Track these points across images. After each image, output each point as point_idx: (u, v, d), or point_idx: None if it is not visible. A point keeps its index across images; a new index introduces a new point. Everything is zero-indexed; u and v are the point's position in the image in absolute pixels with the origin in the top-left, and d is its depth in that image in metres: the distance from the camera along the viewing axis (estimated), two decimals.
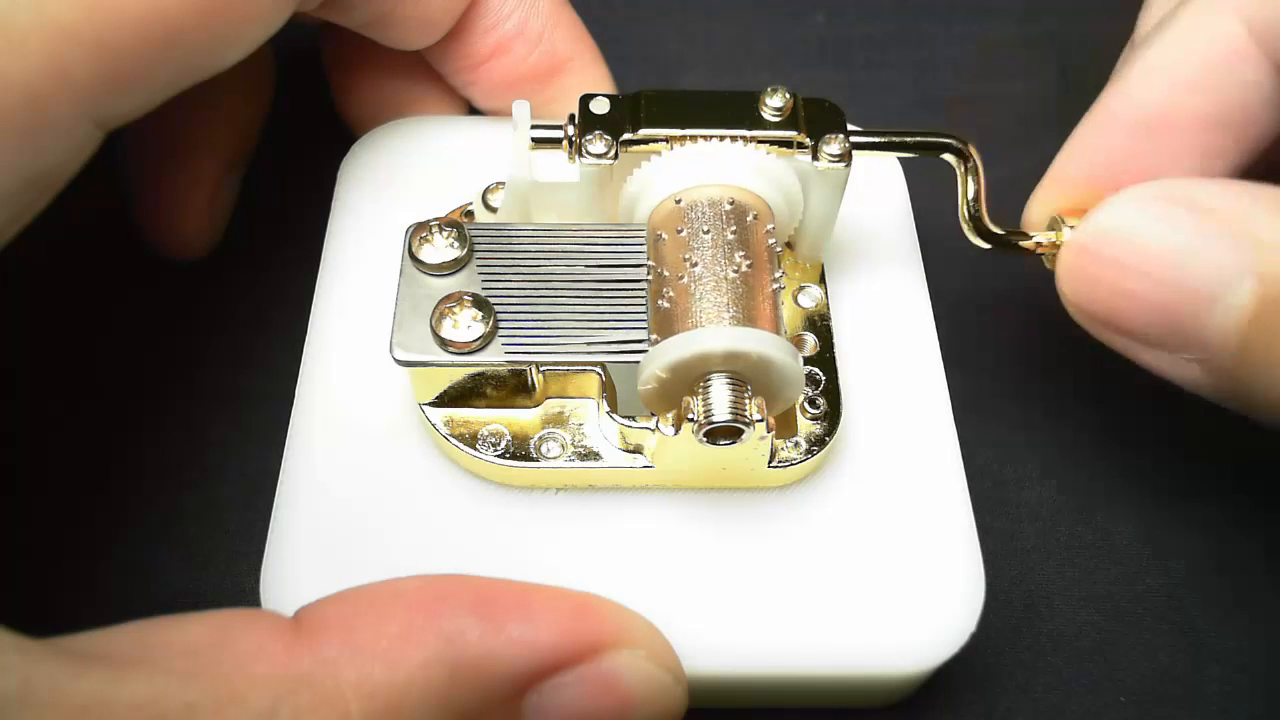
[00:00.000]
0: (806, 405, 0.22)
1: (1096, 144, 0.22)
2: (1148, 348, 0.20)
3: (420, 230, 0.21)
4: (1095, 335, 0.21)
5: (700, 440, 0.19)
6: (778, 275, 0.21)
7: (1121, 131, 0.22)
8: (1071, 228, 0.21)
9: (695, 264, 0.20)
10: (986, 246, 0.23)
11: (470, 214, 0.24)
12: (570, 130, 0.22)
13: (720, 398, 0.19)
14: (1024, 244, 0.22)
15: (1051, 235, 0.22)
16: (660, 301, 0.20)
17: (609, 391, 0.21)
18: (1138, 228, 0.20)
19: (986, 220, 0.23)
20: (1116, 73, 0.23)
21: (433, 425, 0.21)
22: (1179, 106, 0.21)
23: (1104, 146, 0.22)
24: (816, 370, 0.22)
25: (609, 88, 0.27)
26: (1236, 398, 0.20)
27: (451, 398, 0.21)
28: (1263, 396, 0.19)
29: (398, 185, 0.26)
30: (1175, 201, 0.20)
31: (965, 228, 0.23)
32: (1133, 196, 0.20)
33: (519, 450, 0.21)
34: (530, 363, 0.20)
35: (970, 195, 0.22)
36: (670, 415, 0.20)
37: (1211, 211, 0.19)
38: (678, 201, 0.21)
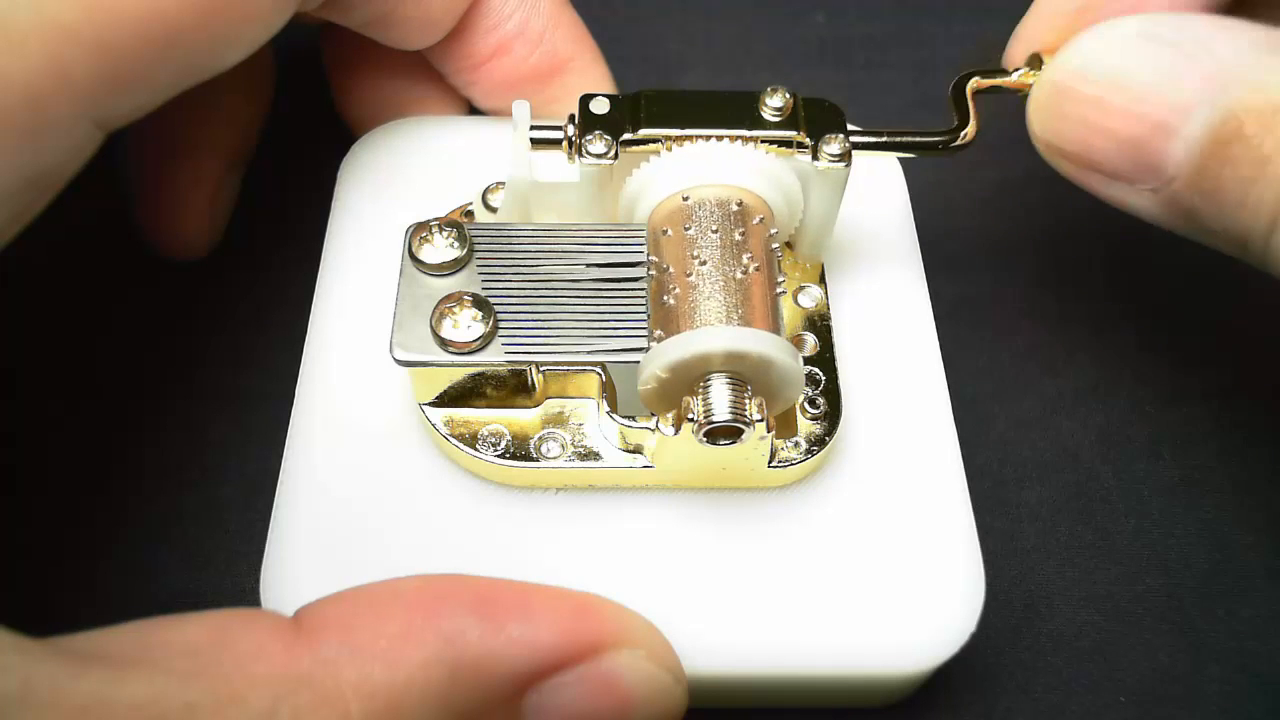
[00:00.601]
0: (806, 405, 0.22)
1: None
2: (1109, 180, 0.21)
3: (420, 230, 0.21)
4: (1062, 171, 0.22)
5: (700, 440, 0.19)
6: (779, 278, 0.21)
7: None
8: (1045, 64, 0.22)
9: (704, 262, 0.20)
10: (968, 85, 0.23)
11: (470, 214, 0.24)
12: (570, 130, 0.22)
13: (720, 398, 0.19)
14: (1003, 80, 0.23)
15: (1031, 71, 0.22)
16: (665, 298, 0.20)
17: (609, 391, 0.21)
18: (1106, 61, 0.20)
19: (976, 80, 0.23)
20: None
21: (433, 425, 0.21)
22: None
23: None
24: (816, 370, 0.22)
25: (609, 88, 0.27)
26: (1188, 226, 0.20)
27: (451, 398, 0.21)
28: (1211, 223, 0.19)
29: (398, 185, 0.26)
30: (1144, 35, 0.20)
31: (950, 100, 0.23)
32: (1103, 30, 0.20)
33: (519, 450, 0.21)
34: (530, 363, 0.20)
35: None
36: (670, 415, 0.20)
37: (1177, 44, 0.19)
38: (685, 199, 0.21)
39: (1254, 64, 0.19)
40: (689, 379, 0.19)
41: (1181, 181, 0.19)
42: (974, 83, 0.23)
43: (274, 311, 0.27)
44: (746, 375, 0.19)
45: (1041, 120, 0.21)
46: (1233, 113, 0.18)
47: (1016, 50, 0.23)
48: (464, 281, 0.21)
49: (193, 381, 0.27)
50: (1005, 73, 0.23)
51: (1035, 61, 0.22)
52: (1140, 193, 0.20)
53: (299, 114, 0.30)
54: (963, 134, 0.22)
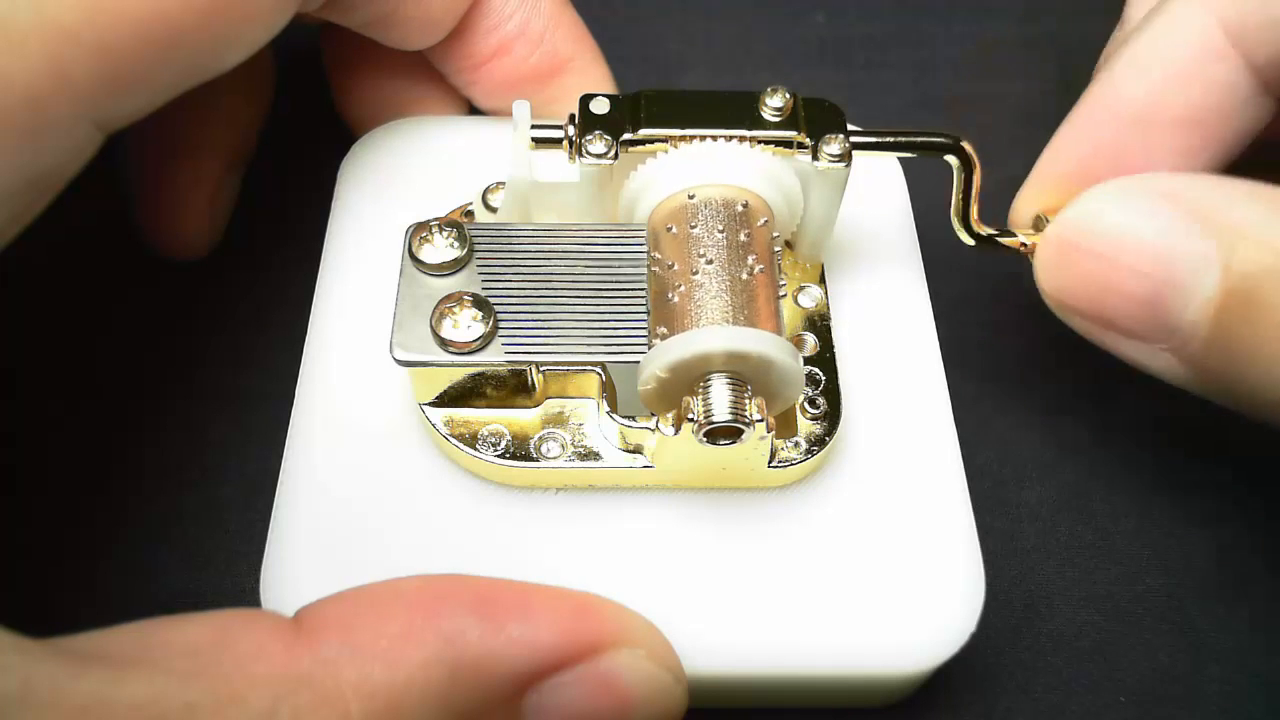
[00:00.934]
0: (806, 405, 0.22)
1: (1078, 142, 0.23)
2: (1124, 338, 0.21)
3: (420, 230, 0.21)
4: (1074, 328, 0.22)
5: (700, 440, 0.19)
6: (780, 280, 0.21)
7: (1101, 130, 0.22)
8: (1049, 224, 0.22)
9: (710, 261, 0.20)
10: (972, 244, 0.23)
11: (470, 214, 0.24)
12: (570, 130, 0.22)
13: (720, 398, 0.19)
14: (1008, 242, 0.23)
15: (1035, 234, 0.22)
16: (670, 295, 0.20)
17: (609, 391, 0.21)
18: (1109, 219, 0.20)
19: (975, 220, 0.23)
20: (1097, 72, 0.23)
21: (433, 425, 0.21)
22: (1157, 105, 0.21)
23: (1085, 144, 0.22)
24: (816, 370, 0.22)
25: (610, 88, 0.27)
26: (1209, 386, 0.20)
27: (451, 398, 0.21)
28: (1234, 385, 0.19)
29: (398, 185, 0.26)
30: (1148, 194, 0.20)
31: (955, 224, 0.23)
32: (1106, 190, 0.21)
33: (519, 450, 0.21)
34: (530, 363, 0.20)
35: (962, 194, 0.23)
36: (670, 415, 0.20)
37: (1182, 203, 0.20)
38: (691, 197, 0.21)
39: (1263, 222, 0.19)
40: (689, 379, 0.19)
41: (1199, 342, 0.19)
42: (974, 242, 0.23)
43: (274, 311, 0.27)
44: (747, 375, 0.19)
45: (1050, 279, 0.22)
46: (1246, 273, 0.18)
47: (1020, 212, 0.24)
48: (464, 281, 0.21)
49: (193, 381, 0.27)
50: (1011, 234, 0.23)
51: (1039, 223, 0.23)
52: (1158, 354, 0.20)
53: (299, 114, 0.30)
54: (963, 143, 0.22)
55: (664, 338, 0.20)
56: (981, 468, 0.26)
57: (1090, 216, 0.21)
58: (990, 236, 0.23)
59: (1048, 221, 0.22)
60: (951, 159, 0.22)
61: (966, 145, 0.22)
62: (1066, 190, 0.22)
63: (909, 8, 0.36)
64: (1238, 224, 0.19)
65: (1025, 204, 0.23)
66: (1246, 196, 0.19)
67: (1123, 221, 0.20)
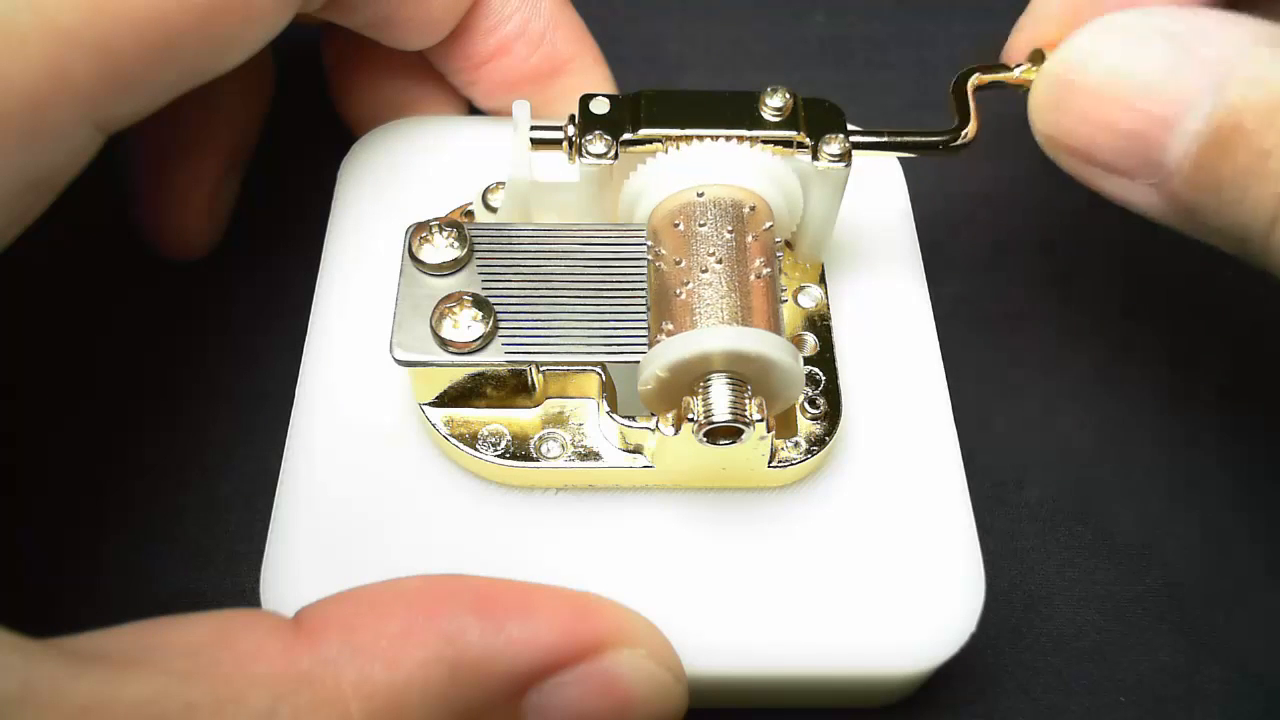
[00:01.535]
0: (806, 405, 0.22)
1: None
2: (1110, 175, 0.21)
3: (420, 230, 0.21)
4: (1063, 166, 0.22)
5: (700, 440, 0.19)
6: (781, 284, 0.21)
7: None
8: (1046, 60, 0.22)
9: (721, 260, 0.20)
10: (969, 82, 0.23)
11: (470, 214, 0.24)
12: (570, 130, 0.22)
13: (720, 398, 0.19)
14: (1004, 76, 0.23)
15: (1032, 69, 0.22)
16: (677, 291, 0.20)
17: (609, 391, 0.21)
18: (1106, 55, 0.20)
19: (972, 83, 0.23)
20: None
21: (433, 425, 0.21)
22: None
23: None
24: (816, 370, 0.22)
25: (610, 89, 0.27)
26: (1186, 220, 0.20)
27: (451, 398, 0.21)
28: (1212, 220, 0.19)
29: (398, 185, 0.26)
30: (1140, 29, 0.20)
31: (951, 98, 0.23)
32: (1103, 24, 0.21)
33: (519, 450, 0.21)
34: (530, 363, 0.20)
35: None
36: (670, 415, 0.20)
37: (1178, 38, 0.19)
38: (700, 195, 0.21)
39: (1254, 58, 0.19)
40: (689, 379, 0.19)
41: (1181, 177, 0.19)
42: (975, 79, 0.23)
43: (274, 311, 0.27)
44: (746, 375, 0.19)
45: (1042, 115, 0.21)
46: (1233, 107, 0.18)
47: (1017, 45, 0.23)
48: (464, 281, 0.21)
49: (193, 381, 0.27)
50: (1006, 68, 0.23)
51: (1037, 57, 0.22)
52: (1140, 188, 0.20)
53: (299, 114, 0.30)
54: (963, 133, 0.22)
55: (670, 334, 0.19)
56: (981, 468, 0.26)
57: (1083, 53, 0.20)
58: (987, 84, 0.23)
59: (1044, 56, 0.22)
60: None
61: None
62: (1065, 24, 0.22)
63: (909, 8, 0.36)
64: (1226, 58, 0.19)
65: (1022, 39, 0.23)
66: (1238, 30, 0.19)
67: (1119, 58, 0.20)
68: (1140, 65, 0.20)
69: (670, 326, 0.20)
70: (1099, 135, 0.20)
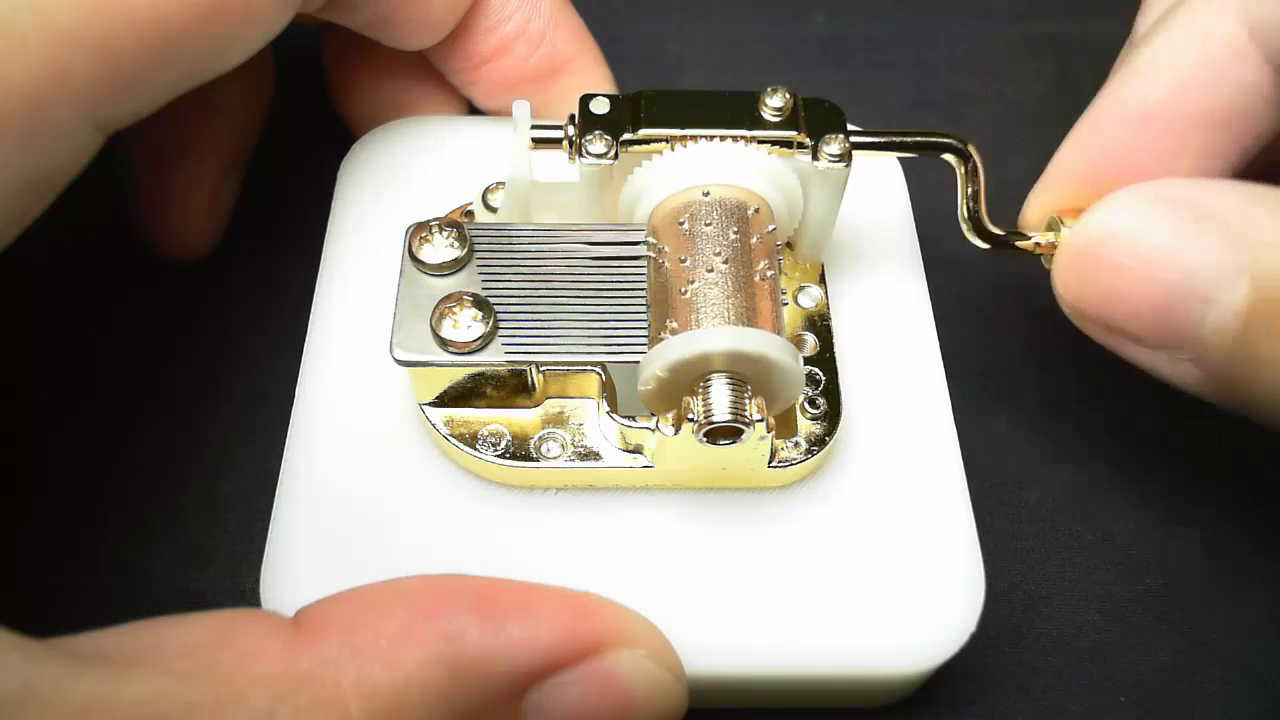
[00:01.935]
0: (806, 405, 0.22)
1: (1094, 142, 0.22)
2: (1144, 348, 0.20)
3: (420, 230, 0.21)
4: (1091, 335, 0.21)
5: (700, 440, 0.19)
6: (781, 285, 0.21)
7: (1119, 130, 0.22)
8: (1068, 228, 0.22)
9: (727, 261, 0.20)
10: (985, 246, 0.23)
11: (470, 214, 0.24)
12: (570, 130, 0.22)
13: (720, 398, 0.19)
14: (1022, 244, 0.23)
15: (1049, 236, 0.22)
16: (682, 290, 0.20)
17: (609, 391, 0.21)
18: (1133, 228, 0.20)
19: (985, 220, 0.23)
20: (1114, 71, 0.23)
21: (433, 425, 0.21)
22: (1176, 105, 0.21)
23: (1101, 145, 0.22)
24: (816, 370, 0.22)
25: (610, 89, 0.27)
26: (1231, 397, 0.20)
27: (451, 398, 0.21)
28: (1257, 396, 0.19)
29: (398, 185, 0.26)
30: (1170, 201, 0.20)
31: (964, 227, 0.23)
32: (1128, 196, 0.20)
33: (519, 450, 0.21)
34: (530, 363, 0.20)
35: (970, 195, 0.22)
36: (670, 415, 0.20)
37: (1206, 211, 0.19)
38: (705, 194, 0.21)
39: None
40: (689, 379, 0.19)
41: (1222, 353, 0.19)
42: (986, 245, 0.23)
43: (274, 311, 0.27)
44: (747, 375, 0.19)
45: (1066, 286, 0.21)
46: (1273, 282, 0.18)
47: (1033, 213, 0.23)
48: (464, 281, 0.21)
49: (193, 381, 0.27)
50: (1024, 236, 0.23)
51: (1054, 225, 0.22)
52: (1179, 363, 0.20)
53: (299, 114, 0.30)
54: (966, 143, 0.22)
55: (674, 332, 0.19)
56: (981, 468, 0.26)
57: (1110, 225, 0.20)
58: (1002, 238, 0.23)
59: (1063, 224, 0.22)
60: (952, 158, 0.22)
61: (969, 146, 0.22)
62: (1081, 192, 0.22)
63: (909, 8, 0.36)
64: (1260, 232, 0.19)
65: (1039, 204, 0.23)
66: (1270, 203, 0.19)
67: (1143, 230, 0.20)
68: (1163, 236, 0.19)
69: (674, 325, 0.20)
70: (1124, 307, 0.20)
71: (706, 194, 0.21)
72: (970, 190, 0.22)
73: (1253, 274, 0.18)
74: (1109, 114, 0.22)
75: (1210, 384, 0.20)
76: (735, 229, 0.21)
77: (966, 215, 0.23)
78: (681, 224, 0.21)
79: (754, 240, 0.21)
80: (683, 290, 0.20)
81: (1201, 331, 0.19)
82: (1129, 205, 0.20)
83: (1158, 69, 0.21)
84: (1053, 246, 0.22)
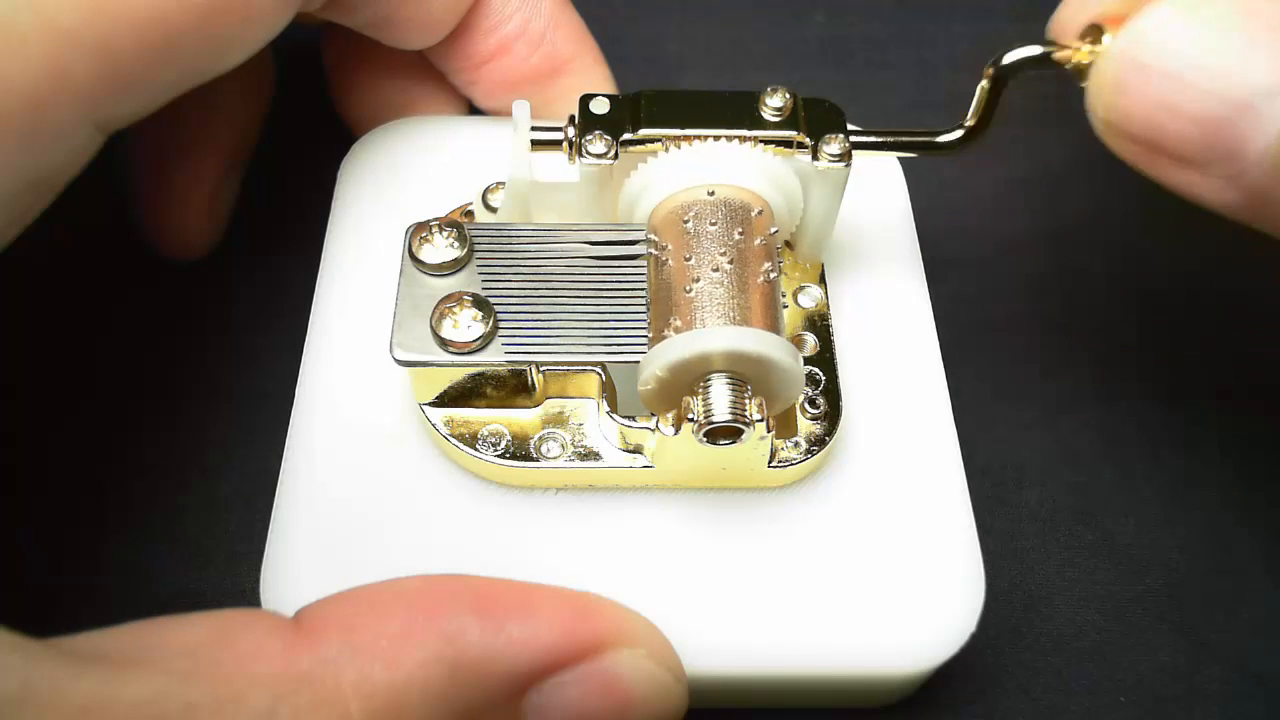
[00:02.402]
0: (806, 405, 0.22)
1: None
2: (1180, 166, 0.19)
3: (420, 230, 0.21)
4: (1124, 155, 0.20)
5: (700, 440, 0.19)
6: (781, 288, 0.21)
7: None
8: (1111, 36, 0.20)
9: (732, 261, 0.20)
10: (1015, 61, 0.21)
11: (470, 214, 0.24)
12: (570, 131, 0.22)
13: (720, 398, 0.19)
14: (1057, 55, 0.21)
15: (1087, 45, 0.20)
16: (687, 288, 0.20)
17: (609, 391, 0.21)
18: (1183, 33, 0.19)
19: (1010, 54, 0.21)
20: None
21: (433, 425, 0.21)
22: None
23: None
24: (816, 370, 0.22)
25: (610, 89, 0.27)
26: (1262, 214, 0.19)
27: (451, 398, 0.21)
28: None
29: (398, 185, 0.26)
30: (1224, 8, 0.18)
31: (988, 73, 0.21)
32: (1177, 2, 0.19)
33: (519, 450, 0.21)
34: (530, 363, 0.20)
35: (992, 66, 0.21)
36: (670, 415, 0.20)
37: (1261, 18, 0.18)
38: (710, 194, 0.21)
39: None
40: (689, 379, 0.19)
41: (1263, 169, 0.18)
42: (1016, 58, 0.21)
43: (274, 311, 0.27)
44: (747, 375, 0.19)
45: (1105, 99, 0.20)
46: None
47: (1068, 18, 0.21)
48: (464, 281, 0.21)
49: (193, 381, 0.27)
50: (1055, 46, 0.21)
51: (1094, 33, 0.20)
52: (1213, 180, 0.19)
53: (299, 114, 0.30)
54: (966, 131, 0.22)
55: (678, 330, 0.19)
56: (981, 468, 0.26)
57: (1159, 30, 0.19)
58: (1033, 57, 0.21)
59: (1102, 32, 0.20)
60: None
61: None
62: None
63: (909, 8, 0.36)
64: None
65: (1074, 10, 0.21)
66: None
67: (1197, 37, 0.18)
68: (1221, 45, 0.18)
69: (678, 323, 0.20)
70: (1171, 122, 0.19)
71: (712, 193, 0.21)
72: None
73: None
74: None
75: (1245, 202, 0.19)
76: (740, 229, 0.21)
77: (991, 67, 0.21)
78: (686, 222, 0.21)
79: (757, 242, 0.21)
80: (687, 289, 0.20)
81: (1245, 146, 0.18)
82: (1180, 8, 0.19)
83: None
84: (1089, 55, 0.20)
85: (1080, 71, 0.21)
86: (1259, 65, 0.18)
